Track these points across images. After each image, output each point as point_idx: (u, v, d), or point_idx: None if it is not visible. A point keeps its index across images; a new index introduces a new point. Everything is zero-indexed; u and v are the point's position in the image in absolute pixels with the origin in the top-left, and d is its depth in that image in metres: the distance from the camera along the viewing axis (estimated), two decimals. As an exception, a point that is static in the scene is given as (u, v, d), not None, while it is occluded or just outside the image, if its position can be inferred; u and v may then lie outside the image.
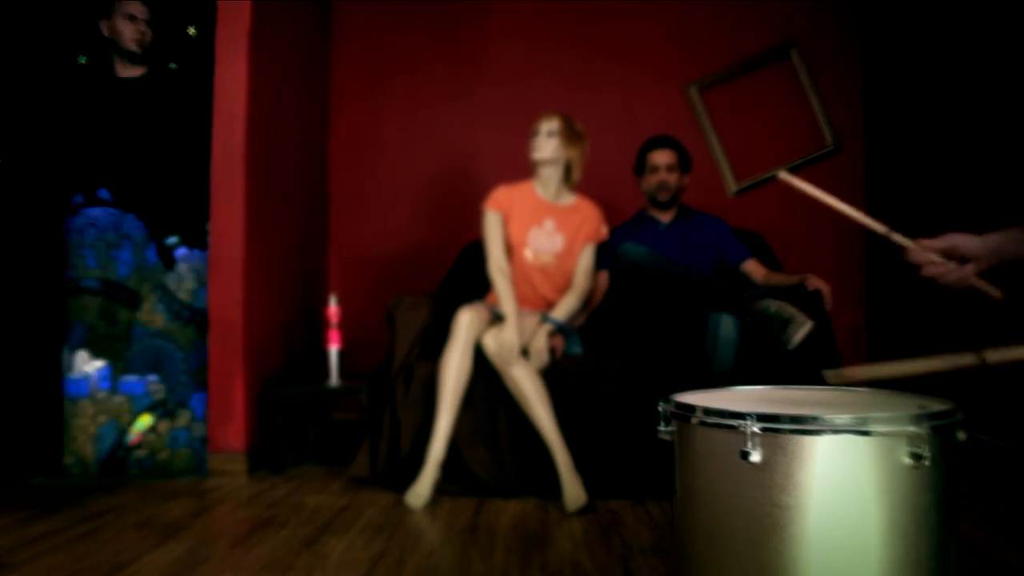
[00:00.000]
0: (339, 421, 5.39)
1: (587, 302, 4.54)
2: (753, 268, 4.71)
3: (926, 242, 1.94)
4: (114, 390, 4.50)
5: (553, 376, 4.11)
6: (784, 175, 2.24)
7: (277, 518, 3.58)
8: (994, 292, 1.99)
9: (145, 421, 4.50)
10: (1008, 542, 3.13)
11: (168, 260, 4.57)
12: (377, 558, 3.01)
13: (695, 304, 4.17)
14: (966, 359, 1.96)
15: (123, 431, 4.48)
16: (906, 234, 2.10)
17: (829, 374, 2.13)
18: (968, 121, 4.67)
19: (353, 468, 4.24)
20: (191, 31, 4.63)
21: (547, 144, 4.29)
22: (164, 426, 4.50)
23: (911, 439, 1.73)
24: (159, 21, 4.64)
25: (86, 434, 4.47)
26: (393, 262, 6.03)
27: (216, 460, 4.43)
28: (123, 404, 4.49)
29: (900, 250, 2.07)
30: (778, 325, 3.79)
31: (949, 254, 1.94)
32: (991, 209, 4.44)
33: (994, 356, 1.93)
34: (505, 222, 4.36)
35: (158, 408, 4.51)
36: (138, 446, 4.47)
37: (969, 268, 1.93)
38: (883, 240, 5.41)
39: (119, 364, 4.52)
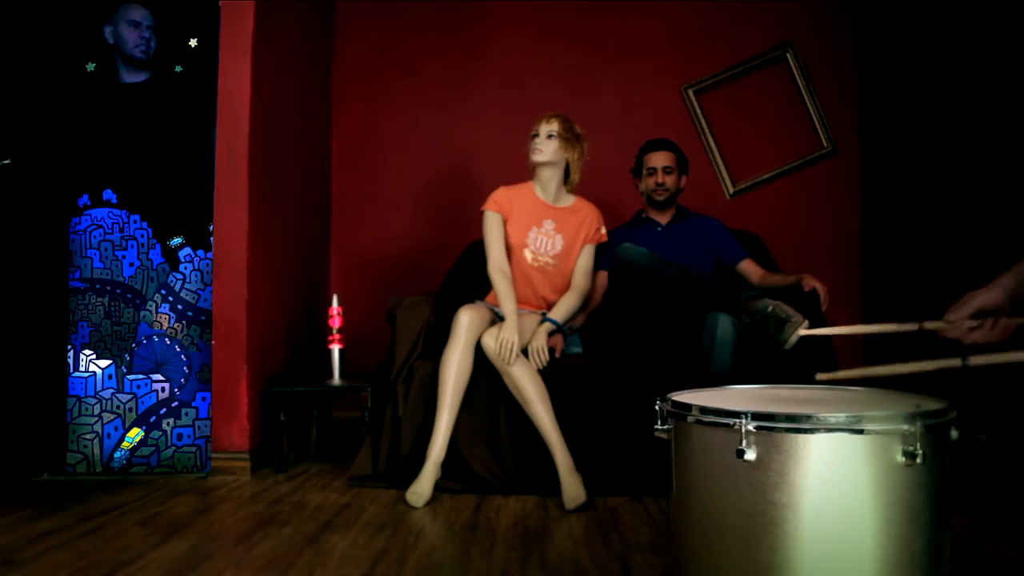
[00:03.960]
0: (341, 420, 5.42)
1: (586, 302, 4.55)
2: (750, 268, 4.73)
3: (954, 316, 1.95)
4: (119, 389, 4.54)
5: (552, 375, 4.13)
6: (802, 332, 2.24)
7: (279, 516, 3.61)
8: None
9: (135, 435, 4.54)
10: (1006, 541, 3.15)
11: (173, 261, 4.60)
12: (378, 556, 3.03)
13: (693, 304, 4.19)
14: (952, 362, 1.99)
15: (127, 430, 4.52)
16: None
17: (822, 376, 2.16)
18: (964, 123, 4.69)
19: (355, 466, 4.27)
20: (192, 43, 4.65)
21: (547, 146, 4.31)
22: (168, 425, 4.55)
23: (904, 437, 1.75)
24: (162, 26, 4.68)
25: (91, 432, 4.51)
26: (394, 262, 6.05)
27: (219, 458, 4.45)
28: (128, 403, 4.53)
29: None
30: (775, 325, 3.81)
31: (980, 315, 1.95)
32: (989, 212, 4.46)
33: (977, 360, 1.96)
34: (505, 223, 4.39)
35: (157, 410, 4.54)
36: (136, 450, 4.52)
37: (1003, 321, 1.95)
38: (878, 240, 5.43)
39: (124, 363, 4.56)
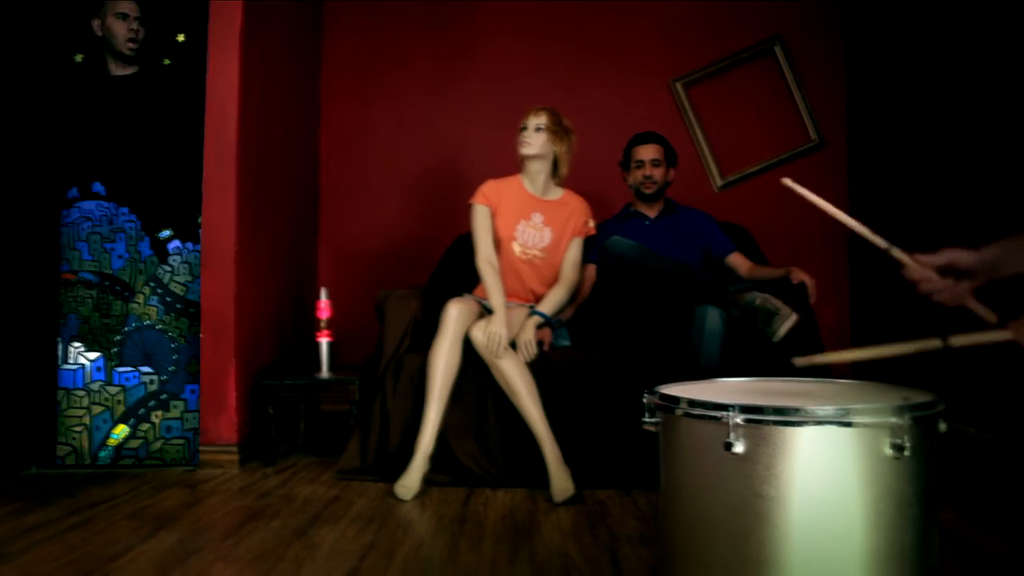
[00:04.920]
0: (329, 413, 5.41)
1: (575, 295, 4.56)
2: (738, 261, 4.73)
3: (923, 258, 1.93)
4: (108, 381, 4.53)
5: (541, 368, 4.13)
6: (787, 181, 2.20)
7: (268, 509, 3.60)
8: (989, 316, 1.97)
9: (120, 431, 4.54)
10: (995, 534, 3.16)
11: (161, 253, 4.60)
12: (367, 549, 3.03)
13: (681, 297, 4.20)
14: (932, 343, 1.97)
15: (115, 424, 4.51)
16: (889, 231, 2.11)
17: (798, 361, 2.15)
18: (952, 117, 4.70)
19: (343, 460, 4.27)
20: (180, 38, 4.64)
21: (535, 139, 4.31)
22: (157, 417, 4.54)
23: (893, 430, 1.75)
24: (151, 19, 4.67)
25: (79, 425, 4.51)
26: (383, 255, 6.04)
27: (208, 451, 4.45)
28: (116, 395, 4.53)
29: (896, 264, 2.05)
30: (763, 318, 3.82)
31: (946, 270, 1.93)
32: (975, 204, 4.47)
33: (958, 340, 1.95)
34: (493, 216, 4.39)
35: (146, 403, 4.54)
36: (122, 447, 4.52)
37: (965, 285, 1.91)
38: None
39: (113, 356, 4.55)
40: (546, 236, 4.41)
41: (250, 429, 4.64)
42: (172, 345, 4.59)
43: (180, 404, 4.56)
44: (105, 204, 4.59)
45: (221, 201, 4.49)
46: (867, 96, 5.70)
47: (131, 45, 4.63)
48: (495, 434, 4.16)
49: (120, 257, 4.59)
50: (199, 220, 4.57)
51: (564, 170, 4.44)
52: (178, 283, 4.60)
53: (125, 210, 4.60)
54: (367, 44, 6.15)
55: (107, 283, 4.57)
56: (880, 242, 2.05)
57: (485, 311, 4.29)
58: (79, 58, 4.66)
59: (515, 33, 6.09)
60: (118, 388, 4.54)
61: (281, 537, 3.18)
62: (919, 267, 1.95)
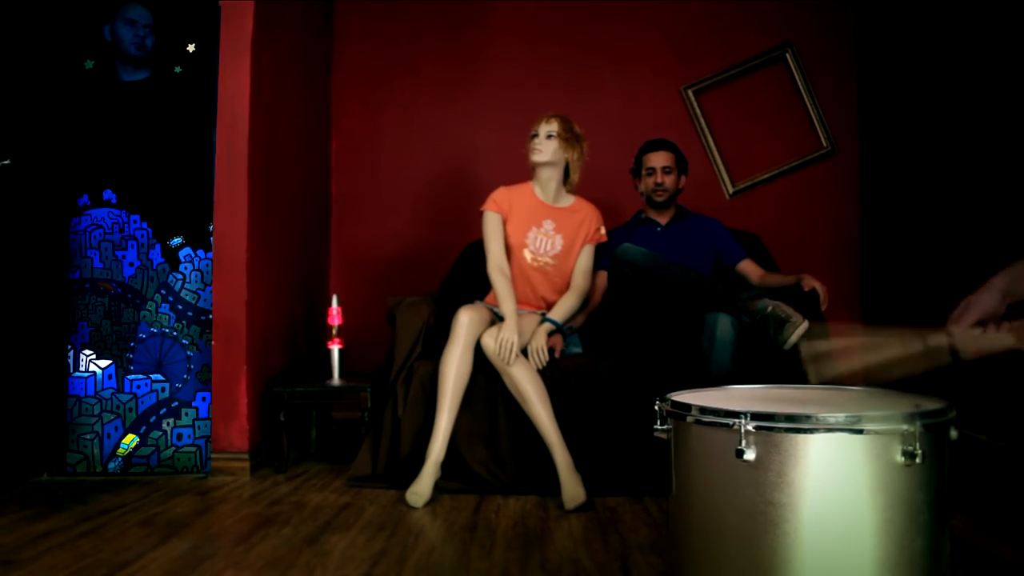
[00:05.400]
0: (340, 420, 5.41)
1: (586, 303, 4.55)
2: (749, 268, 4.72)
3: (960, 327, 1.94)
4: (119, 389, 4.54)
5: (552, 375, 4.13)
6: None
7: (279, 516, 3.61)
8: None
9: (129, 441, 4.54)
10: (1005, 541, 3.15)
11: (173, 261, 4.60)
12: (378, 556, 3.03)
13: (692, 304, 4.19)
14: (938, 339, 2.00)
15: (126, 432, 4.52)
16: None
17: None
18: (965, 124, 4.69)
19: (354, 467, 4.27)
20: (191, 48, 4.65)
21: (546, 146, 4.31)
22: (168, 425, 4.55)
23: (904, 437, 1.75)
24: (163, 28, 4.68)
25: (91, 432, 4.51)
26: (394, 262, 6.04)
27: (219, 459, 4.45)
28: (128, 403, 4.53)
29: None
30: (774, 325, 3.81)
31: (983, 321, 1.94)
32: (988, 212, 4.46)
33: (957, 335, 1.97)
34: (504, 223, 4.39)
35: (157, 410, 4.55)
36: (131, 456, 4.53)
37: (1004, 325, 1.94)
38: (878, 240, 5.42)
39: (124, 363, 4.56)
40: (557, 243, 4.40)
41: (261, 436, 4.64)
42: (183, 353, 4.59)
43: (191, 412, 4.57)
44: (116, 212, 4.60)
45: (232, 209, 4.49)
46: (879, 102, 5.68)
47: (136, 49, 4.64)
48: (506, 441, 4.16)
49: (131, 265, 4.60)
50: (210, 228, 4.58)
51: (575, 177, 4.43)
52: (189, 291, 4.60)
53: (136, 218, 4.61)
54: (377, 50, 6.15)
55: (116, 291, 4.59)
56: (917, 346, 2.05)
57: (496, 318, 4.29)
58: (89, 65, 4.67)
59: (525, 39, 6.09)
60: (129, 396, 4.55)
61: (292, 544, 3.18)
62: (962, 335, 1.95)
